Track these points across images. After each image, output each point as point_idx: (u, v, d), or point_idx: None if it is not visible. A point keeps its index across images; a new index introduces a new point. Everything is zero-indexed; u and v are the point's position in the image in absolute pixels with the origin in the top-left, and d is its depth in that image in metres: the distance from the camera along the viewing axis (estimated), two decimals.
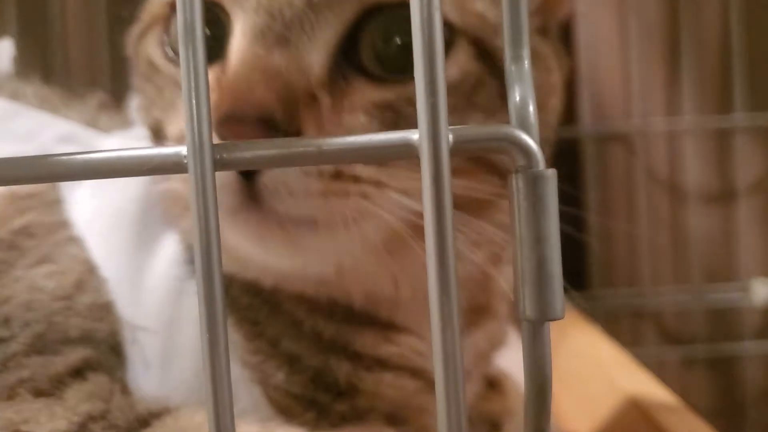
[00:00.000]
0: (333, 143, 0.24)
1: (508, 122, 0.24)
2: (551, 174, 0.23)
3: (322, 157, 0.24)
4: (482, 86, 0.43)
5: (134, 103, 0.54)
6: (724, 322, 1.15)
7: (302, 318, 0.48)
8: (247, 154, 0.24)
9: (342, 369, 0.48)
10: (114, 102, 0.67)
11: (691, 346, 1.15)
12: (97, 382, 0.44)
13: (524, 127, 0.24)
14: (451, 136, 0.23)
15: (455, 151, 0.23)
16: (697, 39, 1.11)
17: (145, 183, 0.49)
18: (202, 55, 0.23)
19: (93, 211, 0.50)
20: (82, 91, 0.67)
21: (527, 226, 0.23)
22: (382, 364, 0.49)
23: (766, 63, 1.11)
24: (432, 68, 0.23)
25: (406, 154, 0.24)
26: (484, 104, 0.43)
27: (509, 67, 0.25)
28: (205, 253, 0.23)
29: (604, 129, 1.13)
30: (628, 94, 1.11)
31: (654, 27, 1.12)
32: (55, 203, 0.51)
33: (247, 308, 0.48)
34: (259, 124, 0.36)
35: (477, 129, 0.24)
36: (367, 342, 0.48)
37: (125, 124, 0.61)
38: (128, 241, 0.48)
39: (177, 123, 0.45)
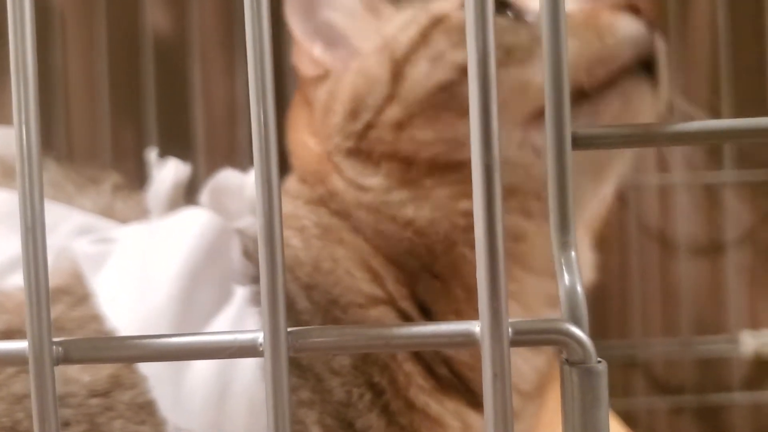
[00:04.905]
0: (398, 332, 0.26)
1: None
2: (603, 368, 0.25)
3: (387, 344, 0.26)
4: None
5: None
6: (712, 373, 1.18)
7: None
8: (320, 340, 0.26)
9: None
10: (127, 183, 0.68)
11: (681, 396, 1.18)
12: None
13: (575, 319, 0.26)
14: (510, 330, 0.25)
15: (513, 342, 0.25)
16: (686, 99, 1.14)
17: (183, 279, 0.50)
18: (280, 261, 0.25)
19: (129, 307, 0.50)
20: (96, 173, 0.68)
21: (580, 418, 0.25)
22: None
23: None
24: (495, 271, 0.25)
25: (468, 344, 0.25)
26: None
27: (557, 255, 0.27)
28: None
29: None
30: None
31: None
32: (85, 297, 0.52)
33: None
34: None
35: (533, 323, 0.26)
36: None
37: (141, 212, 0.62)
38: None
39: None
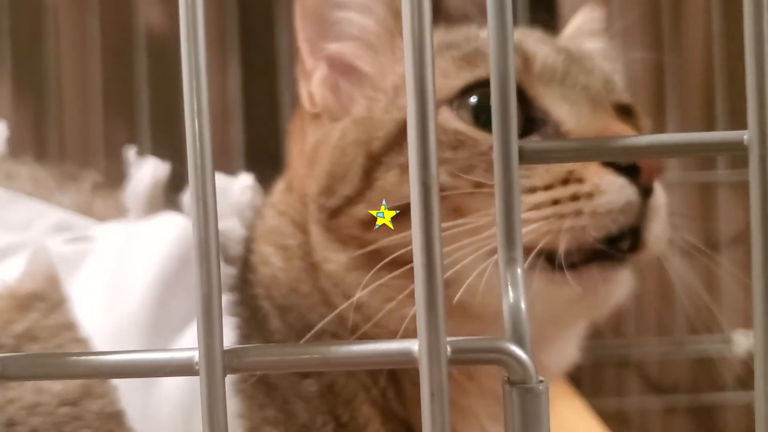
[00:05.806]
0: (337, 351, 0.25)
1: None
2: (544, 389, 0.24)
3: (326, 363, 0.25)
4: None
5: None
6: (706, 373, 1.17)
7: None
8: (257, 359, 0.25)
9: None
10: (108, 182, 0.68)
11: (674, 396, 1.18)
12: None
13: (517, 338, 0.25)
14: (449, 348, 0.25)
15: (452, 361, 0.25)
16: (680, 99, 1.13)
17: (157, 287, 0.50)
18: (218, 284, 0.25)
19: (102, 313, 0.50)
20: (76, 171, 0.68)
21: None
22: None
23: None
24: (433, 289, 0.24)
25: (407, 363, 0.25)
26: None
27: (503, 271, 0.26)
28: None
29: None
30: None
31: (640, 84, 1.15)
32: (59, 304, 0.52)
33: None
34: None
35: (473, 342, 0.25)
36: None
37: (120, 211, 0.62)
38: (140, 348, 0.48)
39: None
